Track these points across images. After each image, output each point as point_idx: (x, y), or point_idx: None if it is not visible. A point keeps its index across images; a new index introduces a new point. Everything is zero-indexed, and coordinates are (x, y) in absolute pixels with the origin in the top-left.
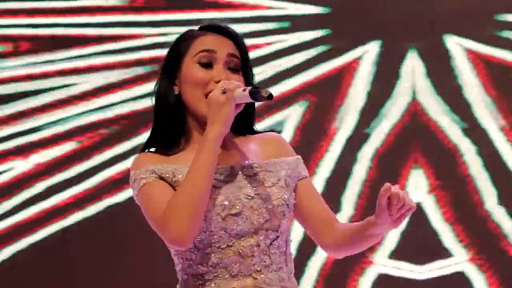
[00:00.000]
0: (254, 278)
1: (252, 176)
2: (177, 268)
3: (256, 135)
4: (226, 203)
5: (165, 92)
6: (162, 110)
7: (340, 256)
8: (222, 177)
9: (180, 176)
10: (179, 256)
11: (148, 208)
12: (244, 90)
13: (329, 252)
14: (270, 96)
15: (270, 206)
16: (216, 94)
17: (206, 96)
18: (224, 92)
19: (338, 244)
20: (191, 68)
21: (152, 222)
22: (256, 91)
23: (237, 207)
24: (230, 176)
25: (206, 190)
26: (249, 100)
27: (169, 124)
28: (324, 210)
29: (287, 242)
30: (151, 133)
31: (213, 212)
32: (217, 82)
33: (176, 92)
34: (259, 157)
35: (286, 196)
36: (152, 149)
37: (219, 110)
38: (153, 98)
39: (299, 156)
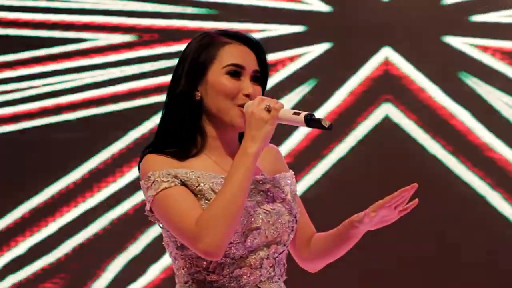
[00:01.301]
0: None
1: (265, 191)
2: (179, 271)
3: None
4: (248, 217)
5: (187, 96)
6: (181, 113)
7: (316, 268)
8: None
9: (203, 185)
10: (187, 261)
11: (174, 215)
12: (296, 114)
13: (306, 266)
14: (331, 126)
15: (283, 222)
16: (259, 110)
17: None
18: (268, 110)
19: (315, 254)
20: (220, 78)
21: (181, 230)
22: (315, 119)
23: (258, 222)
24: None
25: (244, 203)
26: (298, 124)
27: (188, 129)
28: (308, 225)
29: (286, 254)
30: (163, 134)
31: None
32: (246, 95)
33: (198, 98)
34: (266, 171)
35: (295, 212)
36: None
37: (261, 126)
38: (170, 97)
39: (293, 172)
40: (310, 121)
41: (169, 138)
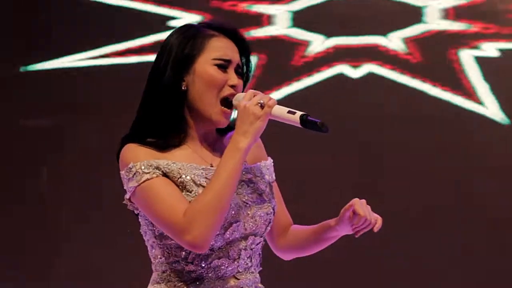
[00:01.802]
0: (236, 279)
1: (245, 181)
2: (156, 260)
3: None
4: (228, 210)
5: (174, 86)
6: (166, 103)
7: (289, 257)
8: None
9: (185, 176)
10: (165, 250)
11: (159, 207)
12: (291, 113)
13: (280, 254)
14: (327, 129)
15: (262, 214)
16: (252, 105)
17: (221, 100)
18: (261, 106)
19: (291, 246)
20: (208, 69)
21: (167, 223)
22: (311, 121)
23: (238, 215)
24: None
25: (231, 196)
26: (292, 123)
27: (172, 119)
28: (285, 214)
29: (262, 245)
30: (143, 123)
31: None
32: (231, 86)
33: (184, 88)
34: (247, 159)
35: (273, 204)
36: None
37: (253, 122)
38: (153, 87)
39: (272, 160)
40: (306, 122)
41: (151, 128)
